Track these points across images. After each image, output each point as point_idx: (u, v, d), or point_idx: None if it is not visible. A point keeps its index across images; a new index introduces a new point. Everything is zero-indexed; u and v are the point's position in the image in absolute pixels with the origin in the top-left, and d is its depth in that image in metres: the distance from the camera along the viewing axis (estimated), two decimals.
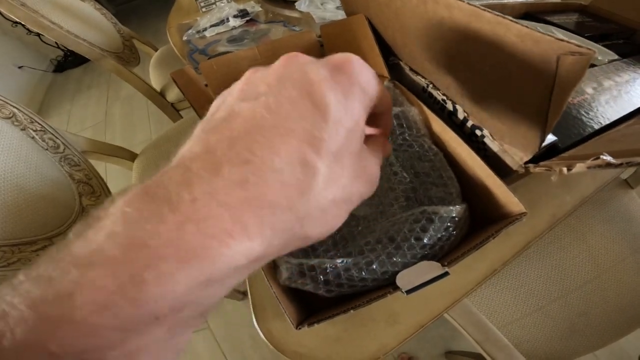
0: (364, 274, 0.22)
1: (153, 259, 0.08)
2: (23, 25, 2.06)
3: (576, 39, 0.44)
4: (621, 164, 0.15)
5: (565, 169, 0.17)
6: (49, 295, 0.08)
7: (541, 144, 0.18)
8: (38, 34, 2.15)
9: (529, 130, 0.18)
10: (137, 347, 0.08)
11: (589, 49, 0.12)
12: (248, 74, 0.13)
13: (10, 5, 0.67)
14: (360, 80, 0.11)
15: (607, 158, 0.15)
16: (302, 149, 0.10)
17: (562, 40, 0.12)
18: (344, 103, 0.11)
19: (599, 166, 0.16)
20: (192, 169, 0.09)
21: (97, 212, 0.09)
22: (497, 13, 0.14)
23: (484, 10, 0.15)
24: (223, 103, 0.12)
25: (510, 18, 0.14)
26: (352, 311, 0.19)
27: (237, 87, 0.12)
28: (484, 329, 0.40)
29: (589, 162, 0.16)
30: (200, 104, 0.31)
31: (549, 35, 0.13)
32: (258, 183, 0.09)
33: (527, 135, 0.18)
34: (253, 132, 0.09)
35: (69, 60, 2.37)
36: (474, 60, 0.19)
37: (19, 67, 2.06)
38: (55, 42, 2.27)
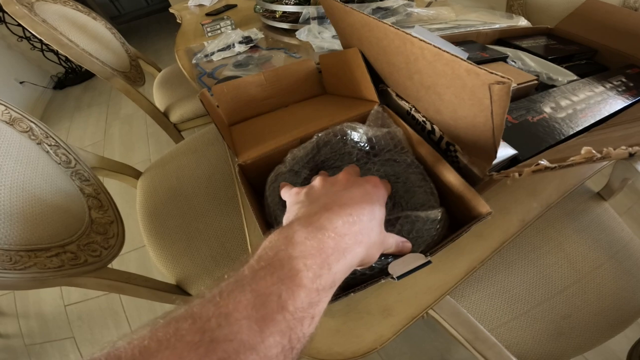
0: (365, 270, 0.25)
1: (331, 253, 0.16)
2: (28, 40, 2.09)
3: (539, 63, 0.50)
4: (555, 167, 0.19)
5: (517, 174, 0.22)
6: (280, 276, 0.14)
7: (495, 154, 0.23)
8: (41, 50, 2.17)
9: (485, 145, 0.23)
10: (325, 301, 0.16)
11: (509, 79, 0.17)
12: (321, 178, 0.24)
13: (32, 21, 0.70)
14: (384, 195, 0.23)
15: (544, 162, 0.20)
16: (370, 216, 0.20)
17: (492, 72, 0.17)
18: (379, 202, 0.22)
19: (540, 170, 0.20)
20: (326, 214, 0.18)
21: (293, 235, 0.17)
22: (454, 53, 0.19)
23: (444, 51, 0.20)
24: (309, 194, 0.22)
25: (462, 57, 0.19)
26: (352, 294, 0.23)
27: (318, 185, 0.23)
28: (473, 328, 0.43)
29: (533, 167, 0.20)
30: (220, 122, 0.36)
31: (484, 69, 0.17)
32: (358, 224, 0.19)
33: (485, 149, 0.23)
34: (347, 202, 0.20)
35: (70, 78, 2.39)
36: (441, 89, 0.24)
37: (21, 83, 2.08)
38: (58, 59, 2.28)
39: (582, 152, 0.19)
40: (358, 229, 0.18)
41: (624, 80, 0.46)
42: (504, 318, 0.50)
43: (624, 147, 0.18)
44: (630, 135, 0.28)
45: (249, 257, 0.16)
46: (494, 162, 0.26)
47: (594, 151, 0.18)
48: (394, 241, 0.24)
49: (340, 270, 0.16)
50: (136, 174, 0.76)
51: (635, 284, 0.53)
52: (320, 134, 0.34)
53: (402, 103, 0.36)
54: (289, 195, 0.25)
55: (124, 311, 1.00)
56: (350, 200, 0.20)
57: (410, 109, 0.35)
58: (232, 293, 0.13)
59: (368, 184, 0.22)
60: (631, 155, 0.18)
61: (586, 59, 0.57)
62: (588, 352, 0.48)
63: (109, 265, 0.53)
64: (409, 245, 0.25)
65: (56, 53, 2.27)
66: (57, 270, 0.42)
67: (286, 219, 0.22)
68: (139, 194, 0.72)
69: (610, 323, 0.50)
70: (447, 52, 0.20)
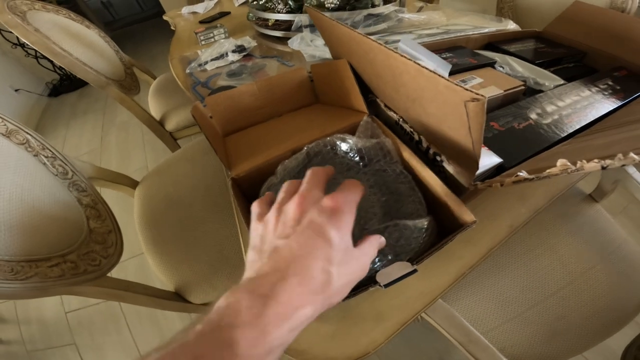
0: None
1: (270, 321, 0.16)
2: (22, 47, 2.07)
3: (527, 67, 0.51)
4: (533, 179, 0.20)
5: (499, 185, 0.23)
6: (218, 344, 0.15)
7: (477, 166, 0.23)
8: (36, 57, 2.15)
9: (468, 155, 0.23)
10: None
11: (482, 96, 0.17)
12: (275, 213, 0.22)
13: (25, 30, 0.70)
14: (346, 219, 0.21)
15: (523, 174, 0.20)
16: (323, 264, 0.19)
17: (467, 90, 0.18)
18: (339, 234, 0.20)
19: (519, 181, 0.21)
20: (272, 279, 0.18)
21: (227, 304, 0.17)
22: (432, 70, 0.20)
23: (423, 67, 0.21)
24: (264, 239, 0.21)
25: (440, 73, 0.20)
26: (342, 301, 0.23)
27: (270, 226, 0.21)
28: (466, 331, 0.43)
29: (513, 177, 0.21)
30: (212, 136, 0.36)
31: (460, 86, 0.18)
32: (306, 283, 0.18)
33: (468, 160, 0.24)
34: (295, 259, 0.18)
35: (65, 85, 2.38)
36: (425, 103, 0.25)
37: (16, 90, 2.05)
38: (52, 66, 2.27)
39: (558, 164, 0.19)
40: (306, 290, 0.18)
41: (610, 83, 0.47)
42: (497, 321, 0.50)
43: (596, 161, 0.18)
44: (612, 143, 0.28)
45: (201, 318, 0.17)
46: (481, 170, 0.27)
47: (568, 163, 0.19)
48: (372, 249, 0.23)
49: (279, 337, 0.17)
50: (133, 184, 0.76)
51: (629, 285, 0.53)
52: (310, 145, 0.35)
53: (391, 114, 0.37)
54: (252, 221, 0.24)
55: (124, 317, 1.01)
56: (298, 254, 0.18)
57: (399, 120, 0.35)
58: (176, 357, 0.15)
59: (325, 213, 0.20)
60: (604, 168, 0.18)
61: (575, 61, 0.58)
62: (587, 351, 0.48)
63: (108, 274, 0.53)
64: (382, 240, 0.24)
65: (50, 60, 2.26)
66: (58, 279, 0.43)
67: (246, 261, 0.22)
68: (137, 203, 0.73)
69: (605, 324, 0.50)
70: (426, 69, 0.21)
